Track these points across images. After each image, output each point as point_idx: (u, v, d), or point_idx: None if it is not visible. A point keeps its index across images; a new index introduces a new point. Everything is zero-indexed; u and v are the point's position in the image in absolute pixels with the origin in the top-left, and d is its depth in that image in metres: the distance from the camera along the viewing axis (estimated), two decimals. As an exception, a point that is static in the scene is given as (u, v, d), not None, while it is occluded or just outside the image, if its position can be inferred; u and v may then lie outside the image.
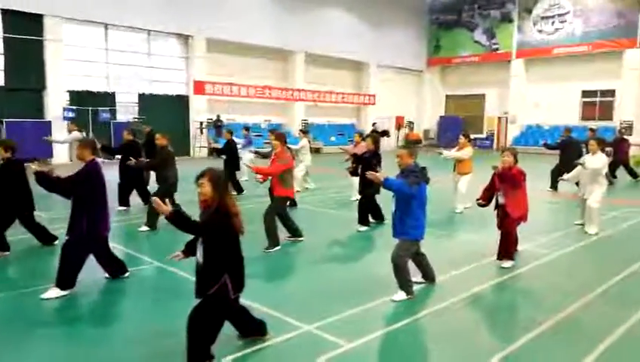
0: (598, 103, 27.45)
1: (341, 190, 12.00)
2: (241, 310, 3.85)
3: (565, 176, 8.86)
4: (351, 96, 29.25)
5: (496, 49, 30.31)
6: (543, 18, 28.29)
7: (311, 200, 10.92)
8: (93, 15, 18.81)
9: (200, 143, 21.92)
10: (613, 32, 25.77)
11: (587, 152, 8.20)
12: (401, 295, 4.91)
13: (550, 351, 3.97)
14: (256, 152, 9.57)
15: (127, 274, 5.53)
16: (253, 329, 3.94)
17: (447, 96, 33.76)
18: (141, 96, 20.79)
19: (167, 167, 7.87)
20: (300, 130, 13.99)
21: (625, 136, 16.17)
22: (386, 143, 23.70)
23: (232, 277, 3.49)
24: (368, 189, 7.87)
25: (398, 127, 31.46)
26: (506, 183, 6.03)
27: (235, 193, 11.30)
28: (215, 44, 22.50)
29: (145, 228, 7.77)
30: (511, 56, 29.57)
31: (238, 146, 11.84)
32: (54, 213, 8.43)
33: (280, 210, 6.85)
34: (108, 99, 19.71)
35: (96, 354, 3.84)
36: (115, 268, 5.45)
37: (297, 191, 11.21)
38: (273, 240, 6.66)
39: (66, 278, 4.92)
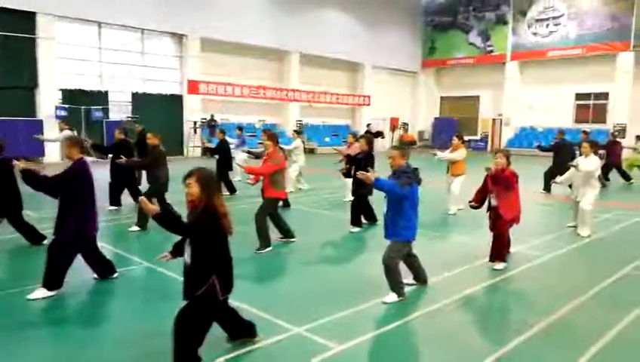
0: (591, 106, 27.59)
1: (335, 191, 11.97)
2: (229, 311, 3.80)
3: (558, 179, 8.87)
4: (346, 97, 29.24)
5: (491, 51, 30.41)
6: (537, 21, 28.40)
7: (304, 200, 10.88)
8: (86, 13, 18.69)
9: (194, 143, 21.83)
10: (607, 35, 25.91)
11: (580, 155, 8.20)
12: (392, 297, 4.87)
13: (542, 354, 3.94)
14: (248, 152, 9.52)
15: (115, 275, 5.46)
16: (242, 331, 3.89)
17: (441, 97, 33.82)
18: (134, 95, 20.66)
19: (159, 166, 7.80)
20: (294, 131, 13.95)
21: (617, 139, 16.22)
22: (380, 144, 23.88)
23: (220, 279, 3.44)
24: (361, 190, 7.83)
25: (393, 128, 31.50)
26: (499, 185, 6.01)
27: (227, 193, 11.25)
28: (209, 44, 22.41)
29: (135, 228, 7.70)
30: (505, 59, 29.67)
31: (232, 146, 11.78)
32: (44, 212, 8.32)
33: (271, 210, 6.79)
34: (101, 98, 19.56)
35: (84, 355, 3.78)
36: (103, 268, 5.38)
37: (291, 192, 11.19)
38: (264, 240, 6.61)
39: (53, 278, 4.85)
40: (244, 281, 5.30)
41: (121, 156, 8.28)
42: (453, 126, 29.36)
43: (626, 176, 14.82)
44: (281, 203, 8.41)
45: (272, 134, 6.82)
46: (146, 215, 7.37)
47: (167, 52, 22.06)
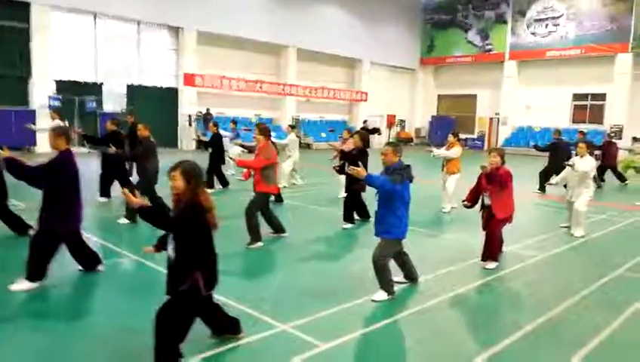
0: (588, 107, 27.56)
1: (330, 186, 11.87)
2: (214, 307, 3.71)
3: (553, 180, 8.82)
4: (343, 92, 29.12)
5: (490, 50, 30.33)
6: (536, 20, 28.32)
7: (298, 196, 10.78)
8: (81, 3, 18.47)
9: (188, 136, 21.67)
10: (605, 37, 25.86)
11: (576, 155, 8.15)
12: (381, 294, 4.79)
13: (533, 354, 3.88)
14: (242, 145, 9.41)
15: (101, 267, 5.35)
16: (226, 327, 3.80)
17: (439, 95, 33.74)
18: (130, 87, 20.50)
19: (148, 158, 7.67)
20: (289, 125, 13.83)
21: (613, 140, 16.19)
22: (376, 141, 23.78)
23: (204, 274, 3.34)
24: (354, 186, 7.74)
25: (390, 125, 31.40)
26: (493, 184, 5.94)
27: (220, 186, 11.15)
28: (206, 37, 22.23)
29: (125, 220, 7.59)
30: (504, 58, 29.60)
31: (225, 140, 11.66)
32: (37, 203, 8.19)
33: (261, 205, 6.69)
34: (95, 89, 19.40)
35: (61, 350, 3.69)
36: (88, 260, 5.27)
37: (284, 187, 11.09)
38: (254, 235, 6.52)
39: (36, 270, 4.75)
40: (231, 276, 5.22)
41: (111, 145, 8.15)
42: (451, 124, 29.29)
43: (621, 178, 14.80)
44: (273, 198, 8.32)
45: (263, 128, 6.70)
46: (135, 207, 7.29)
47: (164, 44, 21.86)
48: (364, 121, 20.25)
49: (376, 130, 18.54)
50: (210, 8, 21.63)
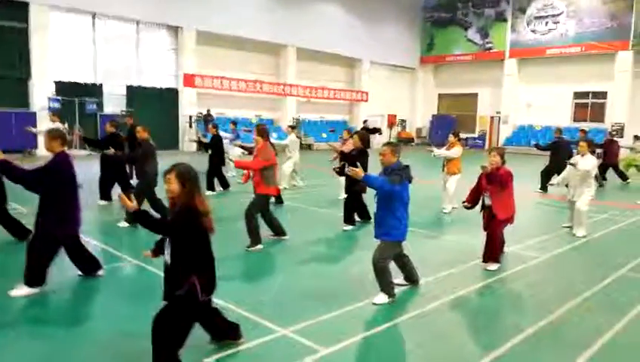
0: (590, 105, 27.49)
1: (330, 188, 11.83)
2: (213, 312, 3.68)
3: (554, 180, 8.79)
4: (343, 92, 29.07)
5: (490, 48, 30.26)
6: (536, 18, 28.26)
7: (299, 197, 10.76)
8: (80, 3, 18.44)
9: (189, 137, 21.65)
10: (605, 34, 25.79)
11: (577, 153, 8.12)
12: (382, 297, 4.76)
13: (536, 357, 3.85)
14: (242, 147, 9.38)
15: (101, 272, 5.33)
16: (225, 332, 3.77)
17: (439, 94, 33.68)
18: (129, 88, 20.48)
19: (147, 160, 7.64)
20: (289, 126, 13.79)
21: (615, 138, 16.14)
22: (377, 141, 23.73)
23: (201, 279, 3.31)
24: (354, 187, 7.71)
25: (390, 125, 31.35)
26: (494, 184, 5.90)
27: (221, 188, 11.12)
28: (206, 37, 22.21)
29: (124, 224, 7.56)
30: (504, 56, 29.54)
31: (225, 141, 11.63)
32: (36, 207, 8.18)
33: (261, 207, 6.67)
34: (95, 90, 19.39)
35: (60, 356, 3.67)
36: (87, 264, 5.23)
37: (285, 189, 11.06)
38: (254, 238, 6.49)
39: (34, 275, 4.72)
40: (231, 280, 5.20)
41: (110, 147, 8.12)
42: (451, 123, 29.24)
43: (623, 176, 14.75)
44: (273, 199, 8.29)
45: (262, 129, 6.67)
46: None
47: (163, 45, 21.85)
48: (365, 121, 20.20)
49: (376, 130, 18.50)
50: (209, 7, 21.61)
